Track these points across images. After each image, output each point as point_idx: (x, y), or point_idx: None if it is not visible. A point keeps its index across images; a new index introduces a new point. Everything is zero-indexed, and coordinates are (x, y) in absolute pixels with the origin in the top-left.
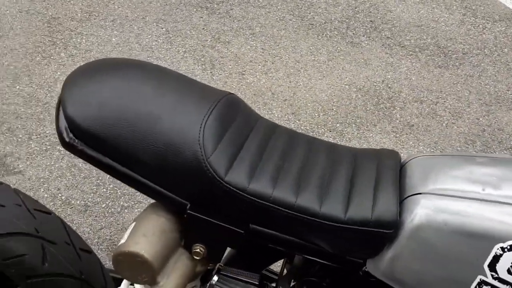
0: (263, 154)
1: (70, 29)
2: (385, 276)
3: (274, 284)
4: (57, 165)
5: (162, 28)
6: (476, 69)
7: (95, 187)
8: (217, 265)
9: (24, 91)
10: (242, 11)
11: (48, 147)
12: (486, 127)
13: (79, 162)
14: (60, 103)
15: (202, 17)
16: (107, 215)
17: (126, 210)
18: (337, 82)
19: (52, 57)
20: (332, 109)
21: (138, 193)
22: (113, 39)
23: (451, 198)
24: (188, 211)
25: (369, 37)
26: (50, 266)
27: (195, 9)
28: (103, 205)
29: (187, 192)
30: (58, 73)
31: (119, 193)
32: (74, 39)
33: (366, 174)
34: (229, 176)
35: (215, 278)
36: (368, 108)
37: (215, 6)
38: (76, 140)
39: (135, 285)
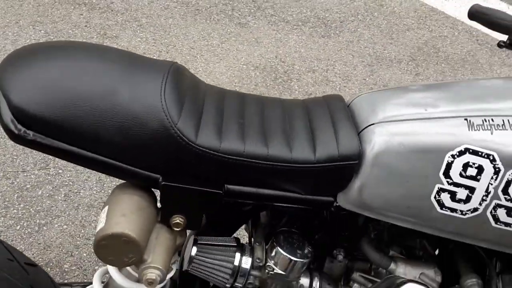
0: (223, 115)
1: None
2: (356, 205)
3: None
4: None
5: (40, 31)
6: (354, 34)
7: (3, 210)
8: (192, 236)
9: None
10: (124, 3)
11: None
12: (373, 86)
13: None
14: None
15: (82, 14)
16: (24, 236)
17: (44, 228)
18: (235, 63)
19: None
20: (235, 90)
21: (55, 207)
22: None
23: (401, 122)
24: (163, 183)
25: (254, 16)
26: None
27: (72, 7)
28: (18, 227)
29: (157, 165)
30: None
31: (33, 211)
32: None
33: (321, 117)
34: (199, 139)
35: (194, 249)
36: (268, 84)
37: (94, 1)
38: (27, 131)
39: (109, 269)
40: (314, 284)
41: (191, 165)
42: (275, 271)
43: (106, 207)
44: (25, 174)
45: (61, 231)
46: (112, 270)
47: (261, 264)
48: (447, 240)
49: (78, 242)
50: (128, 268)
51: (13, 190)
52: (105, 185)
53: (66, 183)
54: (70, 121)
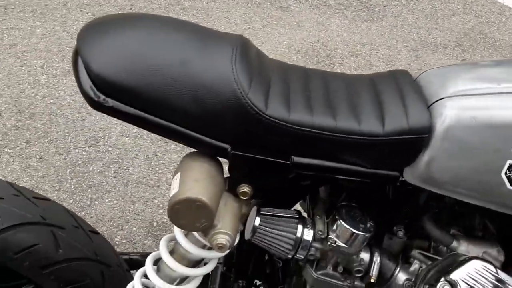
0: (289, 88)
1: None
2: (423, 180)
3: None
4: (9, 169)
5: (87, 13)
6: (398, 19)
7: (57, 184)
8: (255, 207)
9: None
10: None
11: None
12: (418, 71)
13: (33, 161)
14: (78, 61)
15: None
16: (77, 210)
17: (96, 202)
18: (276, 47)
19: None
20: None
21: (105, 182)
22: (37, 30)
23: (473, 97)
24: (232, 152)
25: (296, 0)
26: (64, 251)
27: None
28: (71, 201)
29: (227, 134)
30: None
31: (85, 186)
32: None
33: (388, 91)
34: (269, 109)
35: (258, 219)
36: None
37: None
38: (106, 98)
39: (177, 235)
40: (374, 259)
41: (260, 135)
42: (337, 243)
43: (178, 174)
44: (77, 151)
45: (112, 206)
46: (180, 236)
47: (323, 236)
48: (511, 219)
49: (128, 217)
50: (195, 234)
51: (66, 165)
52: (152, 163)
53: (116, 160)
54: (147, 90)
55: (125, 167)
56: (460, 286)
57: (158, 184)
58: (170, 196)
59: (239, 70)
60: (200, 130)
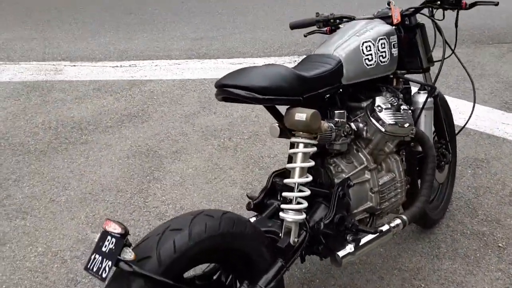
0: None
1: None
2: (348, 79)
3: None
4: None
5: None
6: None
7: None
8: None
9: None
10: None
11: None
12: None
13: None
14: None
15: None
16: None
17: None
18: None
19: None
20: None
21: None
22: None
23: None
24: (304, 96)
25: None
26: (223, 227)
27: None
28: None
29: (297, 92)
30: None
31: None
32: None
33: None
34: (306, 74)
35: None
36: None
37: None
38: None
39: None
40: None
41: (308, 85)
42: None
43: (299, 114)
44: None
45: None
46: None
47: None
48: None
49: None
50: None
51: None
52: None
53: None
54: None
55: None
56: (382, 99)
57: None
58: (305, 118)
59: (287, 67)
60: (285, 95)
